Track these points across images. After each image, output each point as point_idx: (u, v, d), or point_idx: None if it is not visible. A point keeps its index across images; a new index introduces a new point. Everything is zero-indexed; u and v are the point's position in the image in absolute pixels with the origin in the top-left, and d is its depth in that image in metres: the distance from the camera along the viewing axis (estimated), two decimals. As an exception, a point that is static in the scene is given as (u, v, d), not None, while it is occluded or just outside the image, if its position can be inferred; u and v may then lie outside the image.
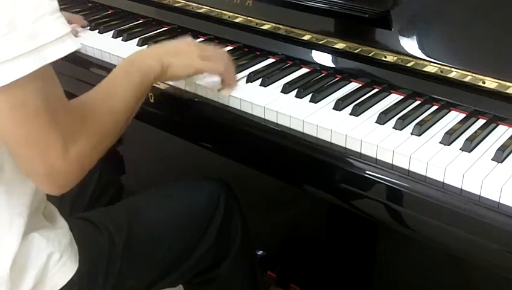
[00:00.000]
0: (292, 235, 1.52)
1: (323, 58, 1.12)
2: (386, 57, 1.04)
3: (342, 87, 1.05)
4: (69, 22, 1.26)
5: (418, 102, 0.99)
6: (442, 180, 0.82)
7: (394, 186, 0.85)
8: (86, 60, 1.25)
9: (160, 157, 1.74)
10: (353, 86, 1.05)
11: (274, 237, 1.54)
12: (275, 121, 0.98)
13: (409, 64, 1.01)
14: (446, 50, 0.99)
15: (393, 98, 1.01)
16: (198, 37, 1.28)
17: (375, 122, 0.93)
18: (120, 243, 0.93)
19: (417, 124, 0.91)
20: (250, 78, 1.08)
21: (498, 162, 0.82)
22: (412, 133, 0.90)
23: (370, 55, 1.05)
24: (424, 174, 0.83)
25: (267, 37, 1.19)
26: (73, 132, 0.72)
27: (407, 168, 0.85)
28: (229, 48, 1.22)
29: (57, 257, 0.83)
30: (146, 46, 1.23)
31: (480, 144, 0.87)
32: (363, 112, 0.96)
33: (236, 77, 1.06)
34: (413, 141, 0.88)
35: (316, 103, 0.99)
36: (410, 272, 1.30)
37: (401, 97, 1.01)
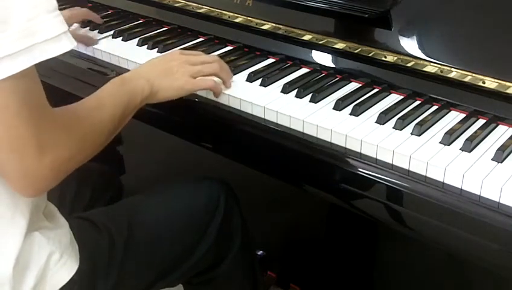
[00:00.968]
0: (292, 235, 1.52)
1: (323, 58, 1.12)
2: (386, 57, 1.04)
3: (342, 87, 1.05)
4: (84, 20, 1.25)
5: (418, 102, 0.99)
6: (442, 180, 0.82)
7: (394, 186, 0.85)
8: (86, 60, 1.25)
9: (160, 157, 1.74)
10: (353, 86, 1.05)
11: (274, 237, 1.54)
12: (275, 121, 0.98)
13: (409, 64, 1.01)
14: (446, 50, 0.99)
15: (393, 98, 1.01)
16: (198, 37, 1.28)
17: (375, 122, 0.93)
18: (120, 243, 0.93)
19: (417, 124, 0.91)
20: (250, 78, 1.08)
21: (498, 162, 0.82)
22: (412, 133, 0.90)
23: (370, 55, 1.05)
24: (424, 174, 0.83)
25: (267, 37, 1.19)
26: (52, 138, 0.71)
27: (407, 168, 0.85)
28: (229, 48, 1.22)
29: (57, 256, 0.83)
30: (146, 46, 1.23)
31: (480, 144, 0.87)
32: (363, 112, 0.96)
33: (232, 76, 1.06)
34: (413, 141, 0.88)
35: (316, 103, 0.99)
36: (410, 272, 1.30)
37: (401, 97, 1.01)
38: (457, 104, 0.97)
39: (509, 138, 0.88)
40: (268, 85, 1.06)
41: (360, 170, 0.88)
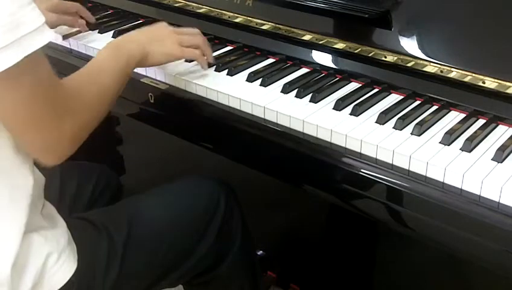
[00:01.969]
0: (292, 236, 1.52)
1: (323, 58, 1.12)
2: (386, 57, 1.04)
3: (342, 87, 1.05)
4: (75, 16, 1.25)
5: (418, 102, 0.99)
6: (442, 180, 0.82)
7: (394, 186, 0.85)
8: (86, 59, 1.24)
9: (160, 157, 1.74)
10: (353, 86, 1.05)
11: (274, 237, 1.54)
12: (275, 121, 0.98)
13: (409, 64, 1.01)
14: (446, 50, 0.99)
15: (393, 98, 1.01)
16: (198, 37, 1.28)
17: (375, 122, 0.93)
18: (119, 243, 0.93)
19: (417, 124, 0.91)
20: (250, 78, 1.08)
21: (498, 162, 0.82)
22: (412, 133, 0.90)
23: (370, 55, 1.05)
24: (424, 174, 0.83)
25: (267, 37, 1.19)
26: (66, 107, 0.77)
27: (407, 168, 0.85)
28: (229, 48, 1.22)
29: (55, 257, 0.83)
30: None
31: (480, 144, 0.87)
32: (363, 112, 0.96)
33: (211, 51, 1.11)
34: (413, 141, 0.88)
35: (316, 103, 0.99)
36: (410, 272, 1.30)
37: (401, 97, 1.01)
38: (457, 104, 0.97)
39: (509, 138, 0.88)
40: (268, 85, 1.06)
41: (360, 170, 0.88)
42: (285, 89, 1.03)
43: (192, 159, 1.52)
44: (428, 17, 1.03)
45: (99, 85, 0.86)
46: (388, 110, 0.95)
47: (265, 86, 1.05)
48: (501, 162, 0.82)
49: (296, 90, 1.02)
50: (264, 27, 1.19)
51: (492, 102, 0.93)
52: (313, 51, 1.13)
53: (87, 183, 1.19)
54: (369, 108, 0.98)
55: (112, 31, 1.30)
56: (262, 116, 0.99)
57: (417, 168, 0.84)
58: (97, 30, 1.32)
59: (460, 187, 0.80)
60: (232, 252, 1.09)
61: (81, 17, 1.31)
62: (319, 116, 0.95)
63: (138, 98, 1.16)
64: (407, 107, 0.98)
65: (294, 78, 1.07)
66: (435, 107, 0.98)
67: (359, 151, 0.89)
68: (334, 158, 0.91)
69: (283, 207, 1.49)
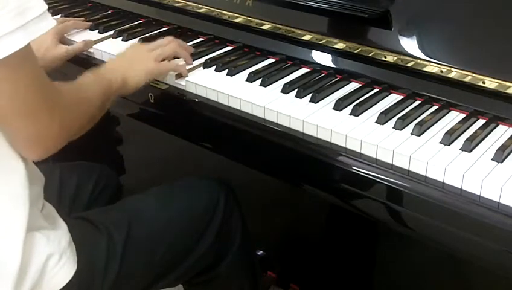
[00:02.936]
0: (292, 235, 1.52)
1: (323, 58, 1.12)
2: (386, 57, 1.04)
3: (342, 87, 1.05)
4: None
5: (418, 102, 0.99)
6: (442, 180, 0.82)
7: (394, 186, 0.85)
8: (86, 60, 1.25)
9: (160, 157, 1.74)
10: (353, 86, 1.05)
11: (274, 237, 1.54)
12: (275, 121, 0.98)
13: (409, 64, 1.01)
14: (446, 50, 0.99)
15: (393, 98, 1.01)
16: (198, 37, 1.28)
17: (375, 122, 0.93)
18: (119, 243, 0.93)
19: (417, 124, 0.91)
20: (250, 78, 1.08)
21: (498, 162, 0.82)
22: (412, 133, 0.90)
23: (370, 55, 1.05)
24: (424, 174, 0.83)
25: (267, 37, 1.19)
26: (56, 103, 0.79)
27: (407, 168, 0.85)
28: (229, 48, 1.22)
29: (56, 258, 0.83)
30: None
31: (480, 144, 0.87)
32: (363, 112, 0.96)
33: (191, 50, 1.17)
34: (413, 141, 0.88)
35: (316, 103, 0.99)
36: (410, 272, 1.30)
37: (401, 97, 1.01)
38: (457, 104, 0.97)
39: (509, 138, 0.88)
40: (268, 85, 1.06)
41: (360, 170, 0.88)
42: (285, 89, 1.03)
43: (192, 159, 1.52)
44: (428, 17, 1.03)
45: (85, 95, 0.89)
46: (388, 110, 0.95)
47: (265, 86, 1.05)
48: (501, 162, 0.82)
49: (296, 90, 1.02)
50: (264, 27, 1.19)
51: (492, 102, 0.93)
52: (313, 51, 1.13)
53: (86, 183, 1.19)
54: (369, 108, 0.98)
55: (112, 31, 1.30)
56: (262, 116, 0.99)
57: (417, 168, 0.84)
58: (97, 30, 1.32)
59: (460, 187, 0.80)
60: (231, 252, 1.09)
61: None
62: (319, 116, 0.95)
63: (138, 98, 1.16)
64: (407, 107, 0.98)
65: (294, 78, 1.07)
66: (435, 107, 0.98)
67: (359, 151, 0.89)
68: (334, 158, 0.91)
69: (283, 207, 1.49)
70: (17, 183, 0.80)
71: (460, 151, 0.85)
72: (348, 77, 1.07)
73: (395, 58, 1.02)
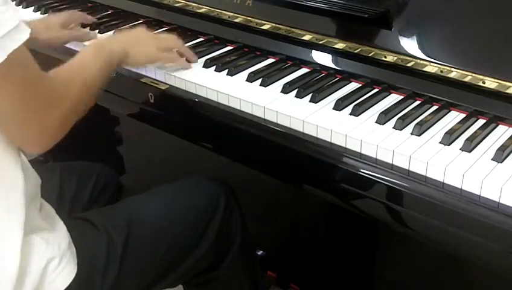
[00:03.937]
0: (292, 235, 1.52)
1: (323, 58, 1.12)
2: (386, 57, 1.04)
3: (342, 87, 1.05)
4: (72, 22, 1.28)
5: (418, 102, 0.99)
6: (442, 180, 0.82)
7: (394, 186, 0.85)
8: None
9: (160, 157, 1.74)
10: (353, 86, 1.05)
11: (274, 237, 1.54)
12: (275, 121, 0.98)
13: (409, 64, 1.01)
14: (446, 50, 0.99)
15: (393, 98, 1.01)
16: (198, 37, 1.28)
17: (375, 122, 0.93)
18: (119, 243, 0.93)
19: (417, 124, 0.91)
20: (250, 78, 1.08)
21: (498, 162, 0.82)
22: (412, 133, 0.90)
23: (370, 55, 1.05)
24: (424, 174, 0.83)
25: (267, 37, 1.19)
26: (53, 100, 0.80)
27: (407, 168, 0.85)
28: (229, 48, 1.22)
29: (56, 262, 0.83)
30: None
31: (480, 144, 0.87)
32: (363, 112, 0.96)
33: (190, 52, 1.16)
34: (413, 141, 0.88)
35: (316, 103, 0.99)
36: (410, 272, 1.30)
37: (401, 97, 1.01)
38: (457, 104, 0.97)
39: (509, 138, 0.88)
40: (268, 85, 1.06)
41: (360, 170, 0.88)
42: (285, 89, 1.03)
43: (192, 159, 1.52)
44: (428, 17, 1.03)
45: (82, 78, 0.89)
46: (388, 110, 0.95)
47: (265, 86, 1.05)
48: (501, 162, 0.82)
49: (296, 90, 1.02)
50: (264, 27, 1.19)
51: (492, 102, 0.93)
52: (313, 51, 1.13)
53: (86, 183, 1.19)
54: (369, 108, 0.98)
55: (112, 31, 1.30)
56: (262, 116, 0.99)
57: (417, 168, 0.84)
58: (97, 30, 1.32)
59: (460, 187, 0.80)
60: (231, 252, 1.09)
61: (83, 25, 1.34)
62: (319, 116, 0.95)
63: (138, 98, 1.16)
64: (407, 107, 0.98)
65: (294, 78, 1.07)
66: (435, 107, 0.98)
67: (359, 151, 0.89)
68: (334, 158, 0.91)
69: (283, 207, 1.49)
70: (14, 188, 0.80)
71: (460, 151, 0.85)
72: (348, 77, 1.07)
73: (395, 58, 1.02)
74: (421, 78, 1.00)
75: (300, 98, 1.01)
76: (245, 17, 1.22)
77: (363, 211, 0.92)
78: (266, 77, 1.07)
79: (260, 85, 1.06)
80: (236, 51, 1.20)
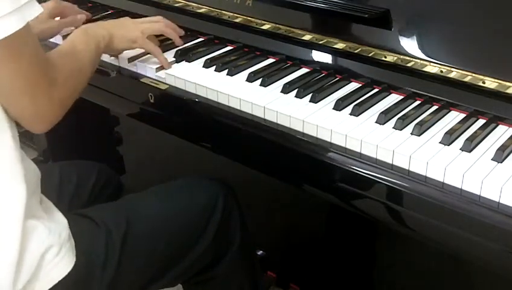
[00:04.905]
0: (292, 235, 1.52)
1: (323, 58, 1.12)
2: (386, 57, 1.04)
3: (342, 87, 1.05)
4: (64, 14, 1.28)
5: (418, 102, 0.99)
6: (442, 180, 0.82)
7: (394, 186, 0.85)
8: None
9: (160, 157, 1.74)
10: (353, 86, 1.05)
11: (274, 237, 1.54)
12: (275, 121, 0.98)
13: (409, 64, 1.01)
14: (446, 50, 0.99)
15: (393, 98, 1.01)
16: (198, 37, 1.28)
17: (375, 122, 0.93)
18: (118, 239, 0.93)
19: (417, 124, 0.91)
20: (250, 78, 1.08)
21: (498, 162, 0.82)
22: (412, 133, 0.90)
23: (370, 55, 1.05)
24: (424, 174, 0.83)
25: (267, 37, 1.19)
26: (54, 77, 0.84)
27: (407, 168, 0.85)
28: (229, 48, 1.22)
29: (55, 250, 0.83)
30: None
31: (480, 144, 0.87)
32: (363, 112, 0.96)
33: (181, 32, 1.22)
34: (413, 141, 0.88)
35: (316, 103, 0.99)
36: (410, 272, 1.30)
37: (401, 97, 1.01)
38: (457, 104, 0.97)
39: (509, 138, 0.88)
40: (268, 85, 1.06)
41: (360, 170, 0.88)
42: (285, 89, 1.03)
43: (192, 159, 1.52)
44: (428, 17, 1.03)
45: (76, 60, 0.94)
46: (388, 110, 0.95)
47: (265, 86, 1.05)
48: (501, 162, 0.82)
49: (296, 90, 1.02)
50: (264, 27, 1.19)
51: (492, 102, 0.93)
52: (313, 51, 1.13)
53: (86, 183, 1.19)
54: (369, 108, 0.98)
55: (112, 31, 1.30)
56: (262, 116, 0.99)
57: (417, 168, 0.84)
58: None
59: (460, 187, 0.80)
60: (230, 252, 1.09)
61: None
62: (319, 116, 0.95)
63: (138, 98, 1.16)
64: (407, 107, 0.98)
65: (294, 78, 1.07)
66: (435, 107, 0.98)
67: (359, 151, 0.89)
68: (334, 158, 0.91)
69: (283, 207, 1.49)
70: (8, 155, 0.81)
71: (460, 151, 0.85)
72: (348, 77, 1.07)
73: (395, 58, 1.02)
74: (421, 78, 1.00)
75: (300, 98, 1.01)
76: (245, 17, 1.22)
77: (363, 211, 0.92)
78: (266, 77, 1.07)
79: (260, 85, 1.06)
80: (236, 51, 1.20)
